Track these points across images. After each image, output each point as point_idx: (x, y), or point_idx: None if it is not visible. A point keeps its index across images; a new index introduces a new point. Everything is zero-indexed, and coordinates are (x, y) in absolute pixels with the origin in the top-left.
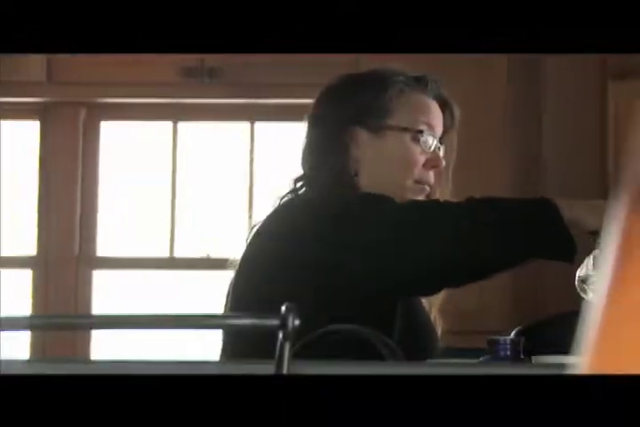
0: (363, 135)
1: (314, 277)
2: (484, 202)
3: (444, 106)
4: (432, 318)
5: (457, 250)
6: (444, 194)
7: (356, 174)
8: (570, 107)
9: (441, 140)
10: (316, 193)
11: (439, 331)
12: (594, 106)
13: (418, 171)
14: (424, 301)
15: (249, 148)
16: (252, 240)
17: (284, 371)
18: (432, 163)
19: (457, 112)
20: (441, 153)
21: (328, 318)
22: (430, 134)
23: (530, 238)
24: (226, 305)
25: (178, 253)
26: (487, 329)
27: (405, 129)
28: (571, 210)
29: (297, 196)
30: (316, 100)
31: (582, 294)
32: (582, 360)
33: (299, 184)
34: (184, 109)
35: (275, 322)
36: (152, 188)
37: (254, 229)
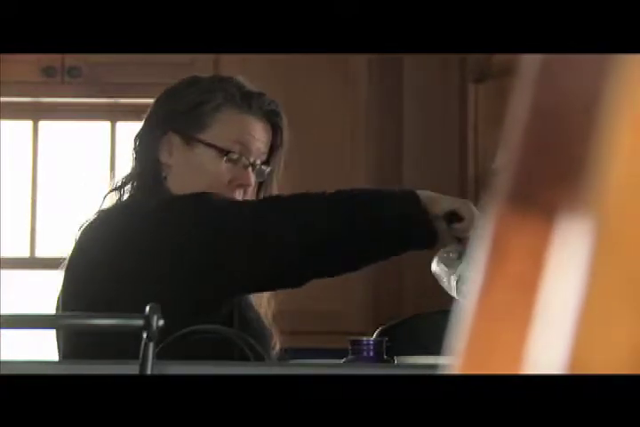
0: (176, 142)
1: (135, 283)
2: (343, 194)
3: (274, 126)
4: (266, 315)
5: (309, 242)
6: None
7: (166, 178)
8: (430, 108)
9: (267, 161)
10: (134, 197)
11: (274, 329)
12: (454, 107)
13: (222, 188)
14: (255, 298)
15: (110, 147)
16: (76, 241)
17: (149, 371)
18: (238, 182)
19: (286, 134)
20: (254, 173)
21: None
22: (242, 154)
23: (392, 231)
24: (57, 306)
25: (39, 253)
26: (349, 330)
27: (214, 147)
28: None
29: (121, 196)
30: (154, 101)
31: (455, 295)
32: (453, 361)
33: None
34: (45, 108)
35: (139, 322)
36: (11, 187)
37: (80, 230)
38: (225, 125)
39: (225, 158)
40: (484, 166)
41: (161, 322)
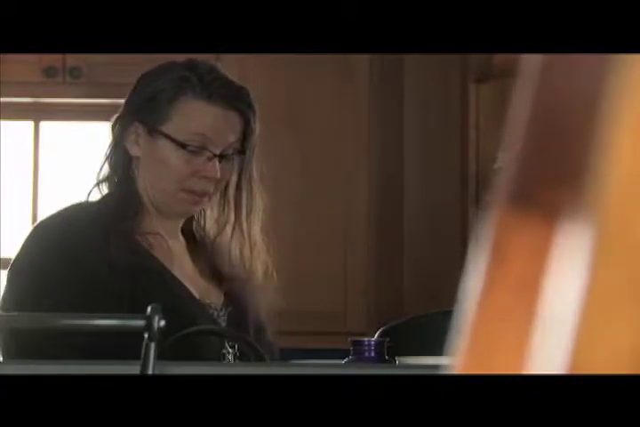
0: (142, 133)
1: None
2: None
3: (243, 115)
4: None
5: None
6: (244, 201)
7: (136, 169)
8: (431, 108)
9: (242, 150)
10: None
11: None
12: (455, 107)
13: (186, 180)
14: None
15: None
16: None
17: (150, 371)
18: (202, 173)
19: (256, 122)
20: (227, 164)
21: None
22: (206, 146)
23: None
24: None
25: None
26: (350, 330)
27: (173, 140)
28: None
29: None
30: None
31: None
32: (454, 361)
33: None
34: (46, 109)
35: (140, 323)
36: (12, 188)
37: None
38: (185, 117)
39: (190, 150)
40: (486, 166)
41: (162, 322)
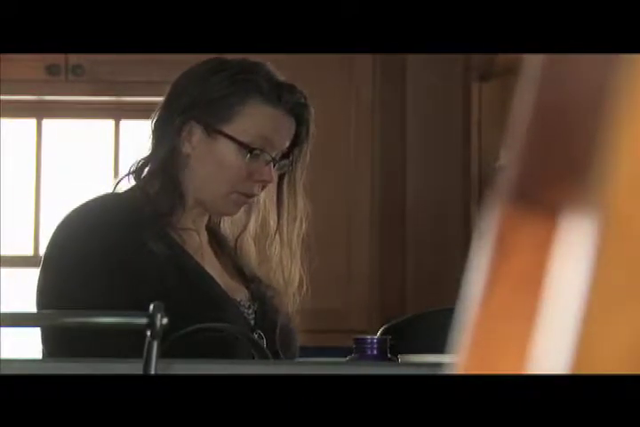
0: (198, 132)
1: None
2: None
3: (300, 120)
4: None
5: None
6: (284, 205)
7: (184, 168)
8: (434, 107)
9: (287, 154)
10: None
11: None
12: (458, 106)
13: (241, 183)
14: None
15: (114, 145)
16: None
17: (152, 370)
18: (259, 177)
19: (312, 128)
20: (275, 168)
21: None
22: (266, 150)
23: None
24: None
25: (42, 252)
26: (353, 328)
27: (237, 141)
28: None
29: (136, 179)
30: (173, 84)
31: None
32: (456, 360)
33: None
34: (49, 107)
35: (142, 320)
36: (15, 185)
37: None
38: (251, 119)
39: (252, 153)
40: (488, 165)
41: (165, 320)
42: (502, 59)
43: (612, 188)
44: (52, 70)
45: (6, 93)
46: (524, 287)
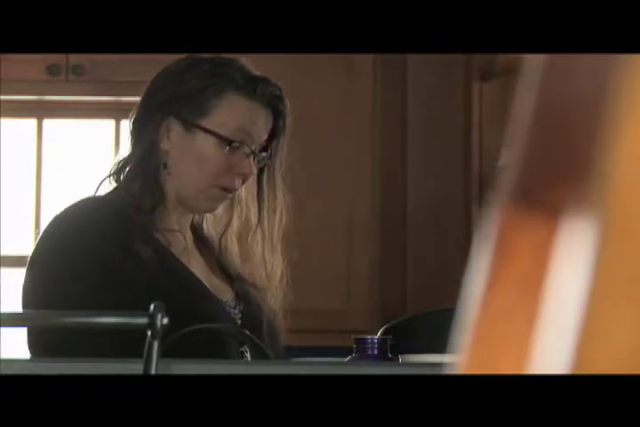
0: (176, 128)
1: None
2: None
3: (276, 113)
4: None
5: None
6: (267, 199)
7: (165, 167)
8: (434, 106)
9: (266, 147)
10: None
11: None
12: (458, 106)
13: (221, 176)
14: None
15: (114, 145)
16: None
17: (153, 370)
18: (239, 170)
19: (288, 120)
20: (255, 161)
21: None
22: (245, 142)
23: None
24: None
25: None
26: (354, 328)
27: (216, 134)
28: None
29: (117, 181)
30: (150, 82)
31: None
32: (456, 360)
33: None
34: (49, 106)
35: (143, 320)
36: (16, 185)
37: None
38: (228, 112)
39: (231, 146)
40: (489, 165)
41: (165, 320)
42: (503, 59)
43: (612, 188)
44: (52, 70)
45: (6, 93)
46: (524, 288)
